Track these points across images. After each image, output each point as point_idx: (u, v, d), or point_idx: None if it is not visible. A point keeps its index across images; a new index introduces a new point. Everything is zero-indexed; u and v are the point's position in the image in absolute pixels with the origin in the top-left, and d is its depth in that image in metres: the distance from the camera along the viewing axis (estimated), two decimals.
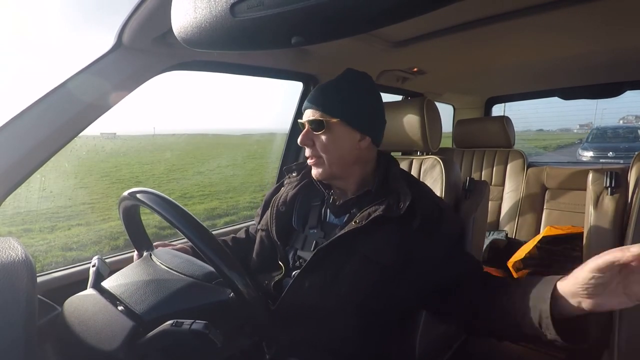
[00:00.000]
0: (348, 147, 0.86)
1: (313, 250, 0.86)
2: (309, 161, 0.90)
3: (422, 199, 0.85)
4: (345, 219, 0.90)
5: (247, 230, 1.16)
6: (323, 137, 0.85)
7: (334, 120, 0.84)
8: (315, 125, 0.85)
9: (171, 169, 8.59)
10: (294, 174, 1.03)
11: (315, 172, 0.90)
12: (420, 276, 0.81)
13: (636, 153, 1.15)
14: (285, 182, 1.05)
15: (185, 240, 0.78)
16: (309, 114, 0.87)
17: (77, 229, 4.32)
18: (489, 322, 0.75)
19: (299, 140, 0.87)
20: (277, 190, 1.04)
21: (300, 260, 0.89)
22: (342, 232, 0.82)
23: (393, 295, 0.83)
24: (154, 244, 0.91)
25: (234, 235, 1.15)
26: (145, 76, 0.96)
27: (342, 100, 0.85)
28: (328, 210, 0.94)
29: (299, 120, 0.90)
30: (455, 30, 1.16)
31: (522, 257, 1.59)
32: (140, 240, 0.85)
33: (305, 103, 0.88)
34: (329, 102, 0.84)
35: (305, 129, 0.87)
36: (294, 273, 0.86)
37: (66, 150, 0.88)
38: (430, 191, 0.94)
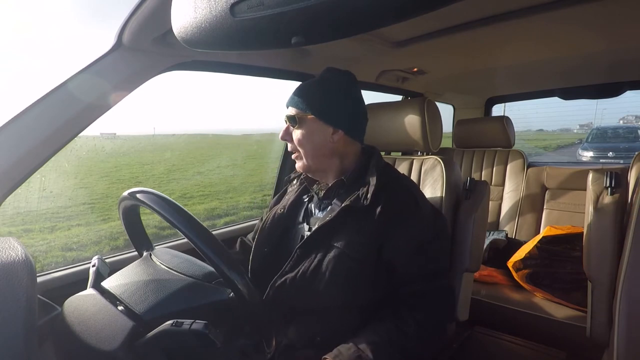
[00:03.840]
0: (321, 140, 0.90)
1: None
2: (293, 155, 0.96)
3: (397, 190, 0.88)
4: (326, 211, 0.94)
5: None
6: (298, 132, 0.91)
7: (307, 115, 0.89)
8: (291, 120, 0.91)
9: (171, 169, 8.59)
10: (294, 182, 1.08)
11: (297, 165, 0.96)
12: (388, 267, 0.85)
13: (636, 153, 1.15)
14: (288, 190, 1.09)
15: (185, 240, 0.78)
16: (287, 111, 0.93)
17: (77, 229, 4.32)
18: None
19: (280, 135, 0.94)
20: (279, 200, 1.07)
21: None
22: (315, 227, 0.87)
23: (373, 290, 0.86)
24: None
25: (242, 237, 1.16)
26: (145, 76, 0.96)
27: (314, 97, 0.90)
28: (312, 205, 0.98)
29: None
30: (455, 30, 1.16)
31: (522, 257, 1.59)
32: (140, 240, 0.85)
33: (287, 101, 0.94)
34: (302, 99, 0.90)
35: (286, 125, 0.93)
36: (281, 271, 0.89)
37: (66, 150, 0.88)
38: (409, 185, 0.95)
